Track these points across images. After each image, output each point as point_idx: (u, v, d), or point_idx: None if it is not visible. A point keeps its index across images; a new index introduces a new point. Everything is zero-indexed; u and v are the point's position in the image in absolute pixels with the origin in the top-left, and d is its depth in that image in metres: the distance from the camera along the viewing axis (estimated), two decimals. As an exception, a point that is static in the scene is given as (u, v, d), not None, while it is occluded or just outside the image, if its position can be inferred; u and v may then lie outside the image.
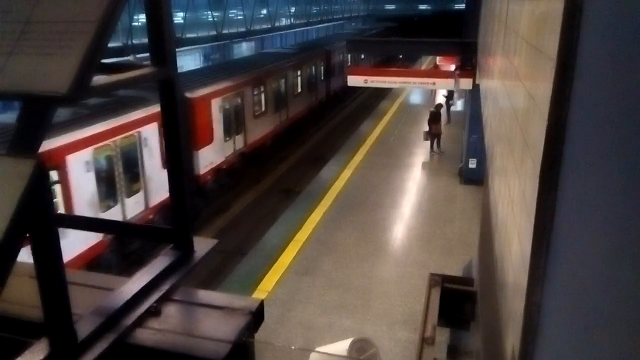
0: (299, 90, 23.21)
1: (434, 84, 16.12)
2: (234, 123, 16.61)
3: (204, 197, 14.97)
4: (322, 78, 26.80)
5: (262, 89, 18.79)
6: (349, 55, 30.05)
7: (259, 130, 18.43)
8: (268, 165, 18.96)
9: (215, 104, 15.16)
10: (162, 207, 12.60)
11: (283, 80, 21.06)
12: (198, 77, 15.99)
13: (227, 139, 16.20)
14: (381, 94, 28.41)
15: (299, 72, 22.98)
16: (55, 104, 1.36)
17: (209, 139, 14.83)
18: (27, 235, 1.27)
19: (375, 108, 26.18)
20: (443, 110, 19.91)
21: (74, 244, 9.66)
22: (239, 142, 17.09)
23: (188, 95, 13.97)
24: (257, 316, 1.85)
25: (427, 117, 18.53)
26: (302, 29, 45.31)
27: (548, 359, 1.71)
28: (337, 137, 22.19)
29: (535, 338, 1.81)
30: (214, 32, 30.81)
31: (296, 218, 12.64)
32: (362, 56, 32.37)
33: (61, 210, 9.74)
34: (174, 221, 2.05)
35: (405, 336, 8.07)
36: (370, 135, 20.41)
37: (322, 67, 26.57)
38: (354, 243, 11.36)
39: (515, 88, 3.15)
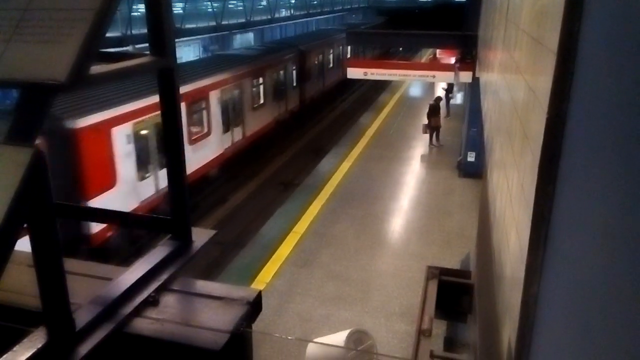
0: (261, 101, 18.99)
1: (434, 76, 16.07)
2: (155, 154, 12.19)
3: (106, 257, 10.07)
4: (295, 84, 22.61)
5: (203, 105, 14.70)
6: (331, 55, 27.54)
7: (199, 158, 14.32)
8: (266, 157, 18.95)
9: (121, 133, 11.03)
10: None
11: (237, 91, 16.86)
12: (106, 97, 11.22)
13: (145, 175, 11.98)
14: (382, 86, 28.31)
15: (260, 80, 18.78)
16: (53, 92, 1.36)
17: (109, 182, 10.79)
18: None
19: (375, 101, 26.15)
20: (442, 103, 19.90)
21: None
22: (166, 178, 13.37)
23: (70, 125, 9.85)
24: (254, 306, 1.86)
25: (426, 110, 18.53)
26: (301, 20, 45.13)
27: (544, 351, 1.71)
28: (336, 130, 22.17)
29: (532, 330, 1.81)
30: (213, 23, 30.70)
31: (295, 210, 12.65)
32: (349, 55, 29.48)
33: None
34: (173, 212, 2.05)
35: (402, 328, 8.10)
36: (369, 128, 20.40)
37: (294, 71, 22.40)
38: (352, 235, 11.38)
39: (515, 81, 3.14)
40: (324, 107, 26.12)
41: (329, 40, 27.78)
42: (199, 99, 14.44)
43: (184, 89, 12.49)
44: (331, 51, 27.85)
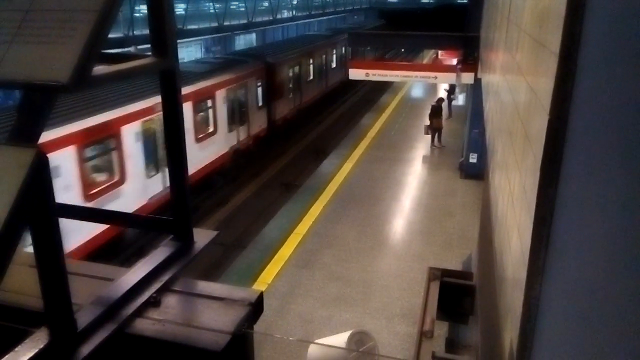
0: (211, 129, 15.11)
1: (436, 78, 16.07)
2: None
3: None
4: (261, 104, 18.83)
5: (113, 145, 11.02)
6: (311, 66, 23.73)
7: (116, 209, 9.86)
8: (268, 158, 18.94)
9: None
10: None
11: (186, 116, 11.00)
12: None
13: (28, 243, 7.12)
14: (382, 88, 28.26)
15: (209, 103, 15.01)
16: (55, 93, 1.36)
17: None
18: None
19: (376, 102, 26.14)
20: (444, 105, 19.90)
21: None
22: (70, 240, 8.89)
23: None
24: (256, 307, 1.86)
25: (428, 111, 18.53)
26: (303, 21, 45.15)
27: (546, 352, 1.71)
28: (338, 131, 22.15)
29: (534, 332, 1.81)
30: (215, 24, 30.74)
31: (296, 211, 12.65)
32: (334, 65, 26.15)
33: None
34: (174, 213, 2.05)
35: (404, 329, 8.09)
36: (371, 129, 20.40)
37: (259, 88, 18.61)
38: (354, 236, 11.38)
39: (517, 82, 3.14)
40: (301, 126, 22.64)
41: (307, 48, 23.96)
42: (106, 137, 10.82)
43: (83, 125, 10.02)
44: (311, 61, 23.81)
